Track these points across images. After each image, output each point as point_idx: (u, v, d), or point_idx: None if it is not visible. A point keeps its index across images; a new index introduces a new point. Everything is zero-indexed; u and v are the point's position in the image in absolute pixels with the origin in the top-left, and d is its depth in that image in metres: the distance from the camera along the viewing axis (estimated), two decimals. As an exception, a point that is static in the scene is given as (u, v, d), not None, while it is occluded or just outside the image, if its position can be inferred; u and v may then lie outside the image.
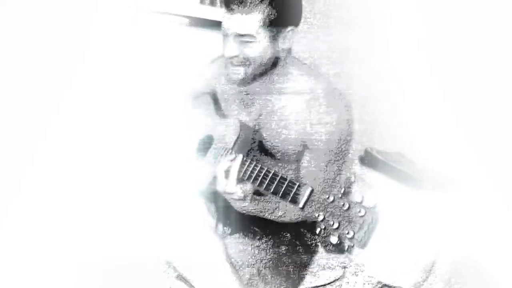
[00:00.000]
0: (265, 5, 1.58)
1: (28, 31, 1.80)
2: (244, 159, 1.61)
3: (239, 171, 1.58)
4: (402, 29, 1.84)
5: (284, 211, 1.67)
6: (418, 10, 1.83)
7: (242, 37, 1.60)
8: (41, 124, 1.81)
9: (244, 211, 1.67)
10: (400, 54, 1.85)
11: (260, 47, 1.61)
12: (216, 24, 2.05)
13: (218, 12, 2.10)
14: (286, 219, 1.69)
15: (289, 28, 1.63)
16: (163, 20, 2.06)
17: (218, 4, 2.11)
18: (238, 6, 1.58)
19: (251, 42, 1.60)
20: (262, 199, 1.65)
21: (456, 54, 1.78)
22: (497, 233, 1.74)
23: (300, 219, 1.68)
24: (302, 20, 1.66)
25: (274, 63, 1.66)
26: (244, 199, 1.60)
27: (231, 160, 1.59)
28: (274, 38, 1.62)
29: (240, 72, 1.64)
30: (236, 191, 1.58)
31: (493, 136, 1.75)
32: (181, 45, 2.02)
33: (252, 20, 1.59)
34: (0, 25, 1.80)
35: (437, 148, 1.81)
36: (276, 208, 1.66)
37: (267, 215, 1.67)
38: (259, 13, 1.59)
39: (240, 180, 1.58)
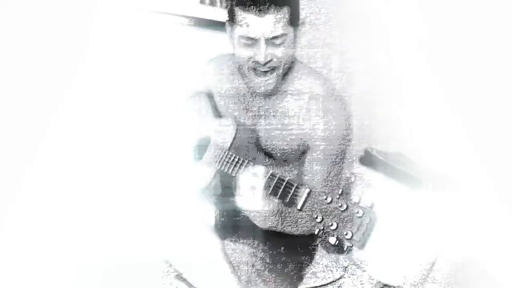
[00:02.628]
0: (288, 3, 1.55)
1: (28, 31, 1.81)
2: (234, 155, 1.60)
3: (266, 186, 1.49)
4: (402, 29, 1.84)
5: (305, 226, 1.62)
6: (418, 10, 1.83)
7: (276, 39, 1.55)
8: (41, 124, 1.81)
9: (267, 228, 1.61)
10: (400, 54, 1.85)
11: (288, 45, 1.57)
12: (216, 24, 2.06)
13: (218, 12, 2.10)
14: (301, 232, 1.65)
15: (300, 22, 1.62)
16: (163, 20, 2.06)
17: (218, 4, 2.12)
18: (268, 8, 1.52)
19: (282, 43, 1.55)
20: (284, 214, 1.59)
21: (456, 54, 1.78)
22: (497, 233, 1.74)
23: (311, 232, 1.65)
24: (302, 20, 1.65)
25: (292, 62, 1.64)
26: (271, 216, 1.54)
27: (254, 174, 1.51)
28: (294, 35, 1.60)
29: (271, 81, 1.60)
30: (264, 208, 1.51)
31: (493, 136, 1.75)
32: (181, 45, 2.02)
33: (281, 19, 1.54)
34: (0, 25, 1.80)
35: (437, 148, 1.81)
36: (295, 222, 1.62)
37: (287, 230, 1.62)
38: (286, 10, 1.54)
39: (265, 195, 1.51)
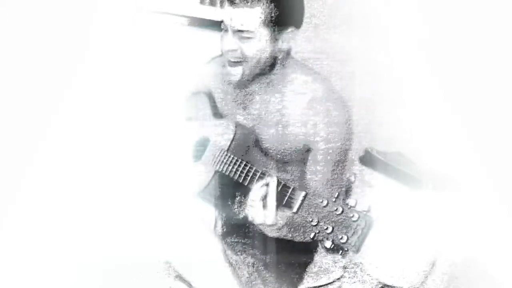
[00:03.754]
0: (267, 2, 1.58)
1: (28, 31, 1.80)
2: (232, 157, 1.60)
3: (276, 196, 1.47)
4: (402, 29, 1.84)
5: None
6: (418, 10, 1.82)
7: (242, 33, 1.60)
8: (41, 124, 1.81)
9: (277, 237, 1.60)
10: (400, 54, 1.85)
11: (258, 45, 1.61)
12: (216, 24, 2.05)
13: (218, 12, 2.10)
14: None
15: (290, 29, 1.63)
16: (163, 20, 2.06)
17: (218, 4, 2.11)
18: (241, 0, 1.58)
19: (249, 38, 1.60)
20: (296, 225, 1.57)
21: (456, 54, 1.77)
22: (497, 233, 1.74)
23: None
24: (292, 29, 1.65)
25: (272, 64, 1.65)
26: (283, 227, 1.52)
27: (265, 185, 1.48)
28: (274, 38, 1.62)
29: (237, 72, 1.64)
30: (277, 222, 1.48)
31: (493, 136, 1.75)
32: (181, 45, 2.02)
33: (253, 16, 1.58)
34: (0, 25, 1.80)
35: (437, 148, 1.81)
36: (306, 230, 1.59)
37: (297, 238, 1.61)
38: (260, 9, 1.58)
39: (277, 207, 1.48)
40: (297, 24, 1.65)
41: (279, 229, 1.52)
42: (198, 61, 1.89)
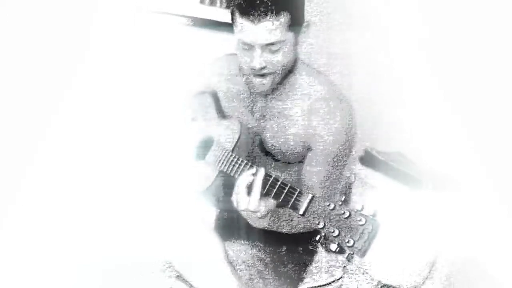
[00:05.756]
0: (289, 5, 1.52)
1: (28, 31, 1.81)
2: (237, 157, 1.60)
3: (262, 186, 1.48)
4: (402, 29, 1.84)
5: (299, 224, 1.63)
6: (418, 10, 1.83)
7: (271, 46, 1.54)
8: (41, 124, 1.81)
9: (261, 227, 1.60)
10: (400, 54, 1.85)
11: (287, 51, 1.56)
12: (216, 24, 2.06)
13: (218, 12, 2.10)
14: (297, 230, 1.66)
15: (304, 24, 1.60)
16: (163, 20, 2.06)
17: (218, 4, 2.12)
18: (264, 15, 1.49)
19: (279, 49, 1.54)
20: (281, 215, 1.59)
21: (456, 54, 1.78)
22: (497, 233, 1.74)
23: (307, 229, 1.65)
24: (307, 23, 1.63)
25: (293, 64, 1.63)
26: (266, 216, 1.52)
27: (253, 174, 1.49)
28: (296, 39, 1.59)
29: (267, 82, 1.59)
30: (260, 209, 1.48)
31: (493, 136, 1.75)
32: (181, 45, 2.02)
33: (279, 24, 1.52)
34: (0, 25, 1.80)
35: (437, 148, 1.81)
36: (291, 222, 1.62)
37: (283, 230, 1.63)
38: (283, 18, 1.52)
39: (262, 195, 1.49)
40: (303, 20, 1.62)
41: (263, 217, 1.51)
42: (198, 61, 1.89)
